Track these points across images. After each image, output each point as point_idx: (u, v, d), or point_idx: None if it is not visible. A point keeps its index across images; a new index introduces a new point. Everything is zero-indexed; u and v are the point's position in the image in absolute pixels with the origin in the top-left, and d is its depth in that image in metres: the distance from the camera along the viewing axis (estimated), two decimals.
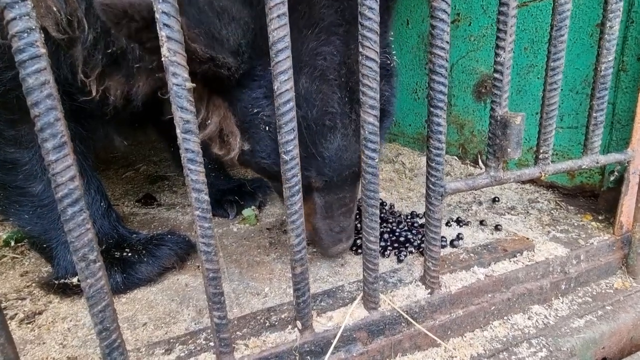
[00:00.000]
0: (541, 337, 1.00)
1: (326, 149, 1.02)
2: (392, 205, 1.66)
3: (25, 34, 0.51)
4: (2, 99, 1.00)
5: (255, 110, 0.99)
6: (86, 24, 0.84)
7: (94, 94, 0.97)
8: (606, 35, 1.01)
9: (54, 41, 0.86)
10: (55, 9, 0.80)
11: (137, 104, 1.04)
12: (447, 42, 0.80)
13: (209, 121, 1.00)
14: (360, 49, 0.73)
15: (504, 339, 1.00)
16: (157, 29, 0.58)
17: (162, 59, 0.60)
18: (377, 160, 0.80)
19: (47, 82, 0.53)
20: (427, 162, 0.88)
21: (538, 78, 1.67)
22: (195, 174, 0.65)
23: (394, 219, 1.48)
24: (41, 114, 0.53)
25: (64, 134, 0.56)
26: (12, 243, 1.41)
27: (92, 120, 1.18)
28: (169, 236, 1.27)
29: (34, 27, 0.51)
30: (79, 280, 1.10)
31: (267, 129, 1.01)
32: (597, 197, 1.53)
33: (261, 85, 0.95)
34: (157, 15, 0.58)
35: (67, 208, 0.58)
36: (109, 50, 0.92)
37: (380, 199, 1.61)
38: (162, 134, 1.82)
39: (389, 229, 1.38)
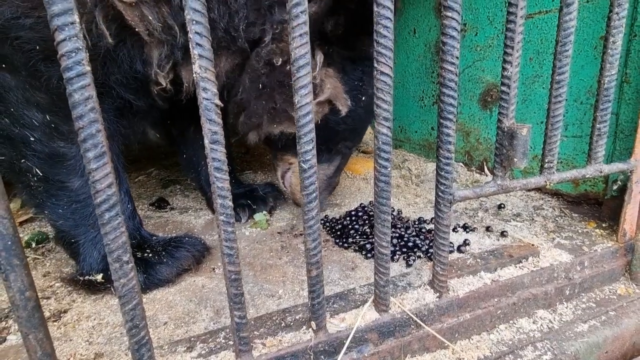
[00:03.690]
0: (546, 341, 1.03)
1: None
2: (399, 211, 1.70)
3: (73, 54, 0.55)
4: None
5: (361, 85, 1.43)
6: (178, 30, 0.93)
7: (164, 84, 1.07)
8: (609, 50, 1.05)
9: (131, 35, 0.95)
10: (150, 17, 0.88)
11: (222, 81, 1.23)
12: (457, 58, 0.84)
13: (328, 86, 1.35)
14: (375, 65, 0.77)
15: (510, 342, 1.02)
16: (190, 47, 0.63)
17: (194, 74, 0.65)
18: (389, 169, 0.84)
19: (91, 97, 0.58)
20: (436, 170, 0.92)
21: (543, 88, 1.71)
22: (221, 181, 0.70)
23: (402, 225, 1.52)
24: (84, 126, 0.58)
25: (104, 145, 0.60)
26: (34, 244, 1.46)
27: (133, 117, 1.25)
28: (187, 239, 1.32)
29: (80, 48, 0.56)
30: (103, 278, 1.16)
31: (363, 98, 1.46)
32: (600, 204, 1.56)
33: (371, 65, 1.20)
34: (190, 36, 0.63)
35: (104, 213, 0.63)
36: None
37: None
38: (175, 137, 1.85)
39: (397, 234, 1.42)
